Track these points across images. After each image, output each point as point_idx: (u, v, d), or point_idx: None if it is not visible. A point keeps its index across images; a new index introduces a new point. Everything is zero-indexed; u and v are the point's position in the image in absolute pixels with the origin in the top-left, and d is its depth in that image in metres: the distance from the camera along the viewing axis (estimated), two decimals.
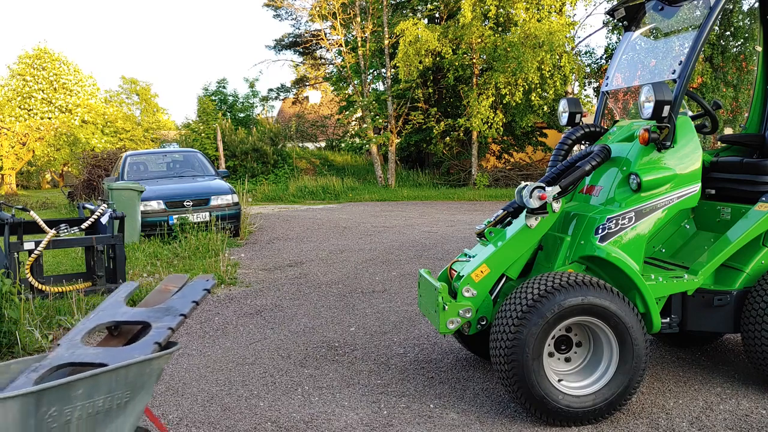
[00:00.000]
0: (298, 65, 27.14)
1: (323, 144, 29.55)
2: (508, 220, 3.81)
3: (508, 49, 17.64)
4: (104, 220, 6.46)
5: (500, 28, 19.13)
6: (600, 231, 3.43)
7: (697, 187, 3.55)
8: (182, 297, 2.87)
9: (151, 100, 37.74)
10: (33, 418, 1.64)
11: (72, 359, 2.11)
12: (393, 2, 22.36)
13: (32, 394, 1.64)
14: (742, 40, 16.77)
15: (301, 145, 27.04)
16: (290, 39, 25.67)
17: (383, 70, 21.71)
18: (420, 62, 18.44)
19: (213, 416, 3.54)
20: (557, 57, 17.85)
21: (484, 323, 3.56)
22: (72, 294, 5.69)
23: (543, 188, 3.44)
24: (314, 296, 6.33)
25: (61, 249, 7.87)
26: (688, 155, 3.53)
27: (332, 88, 26.38)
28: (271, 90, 28.82)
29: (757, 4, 4.41)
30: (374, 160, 21.57)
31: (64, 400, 1.73)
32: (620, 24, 4.45)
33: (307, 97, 29.79)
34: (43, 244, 5.88)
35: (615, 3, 7.43)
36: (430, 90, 22.12)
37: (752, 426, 3.27)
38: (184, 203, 9.82)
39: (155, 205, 9.78)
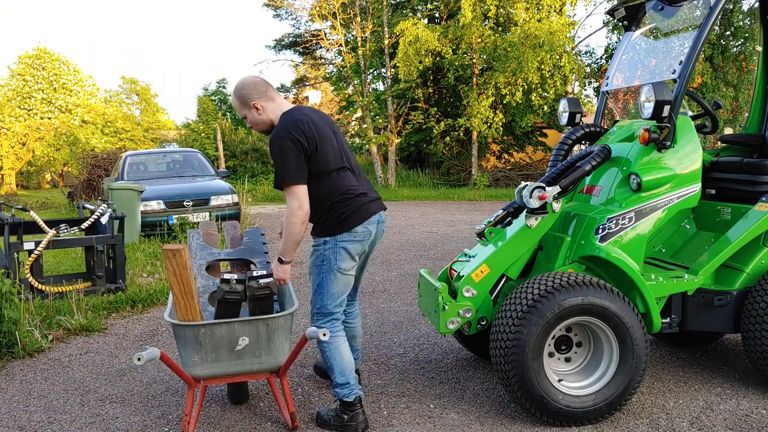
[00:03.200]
0: (298, 65, 27.16)
1: None
2: (508, 220, 3.81)
3: (508, 49, 17.64)
4: (104, 220, 6.46)
5: (500, 28, 19.14)
6: (600, 231, 3.43)
7: (697, 187, 3.55)
8: (250, 241, 3.96)
9: (151, 100, 37.75)
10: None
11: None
12: (393, 2, 22.36)
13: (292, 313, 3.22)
14: (742, 40, 16.77)
15: None
16: (290, 39, 25.68)
17: (383, 70, 21.72)
18: (420, 62, 18.44)
19: (213, 416, 3.54)
20: (557, 57, 17.85)
21: (484, 323, 3.55)
22: (72, 294, 5.69)
23: (543, 188, 3.43)
24: None
25: (61, 249, 7.87)
26: (688, 155, 3.53)
27: (332, 88, 26.41)
28: None
29: (757, 4, 4.41)
30: (374, 160, 21.57)
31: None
32: (620, 24, 4.45)
33: (307, 97, 29.81)
34: (43, 244, 5.88)
35: (615, 3, 7.43)
36: (430, 90, 22.12)
37: (752, 426, 3.27)
38: (184, 203, 9.81)
39: (155, 205, 9.77)
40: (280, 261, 3.23)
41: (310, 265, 3.34)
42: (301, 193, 3.06)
